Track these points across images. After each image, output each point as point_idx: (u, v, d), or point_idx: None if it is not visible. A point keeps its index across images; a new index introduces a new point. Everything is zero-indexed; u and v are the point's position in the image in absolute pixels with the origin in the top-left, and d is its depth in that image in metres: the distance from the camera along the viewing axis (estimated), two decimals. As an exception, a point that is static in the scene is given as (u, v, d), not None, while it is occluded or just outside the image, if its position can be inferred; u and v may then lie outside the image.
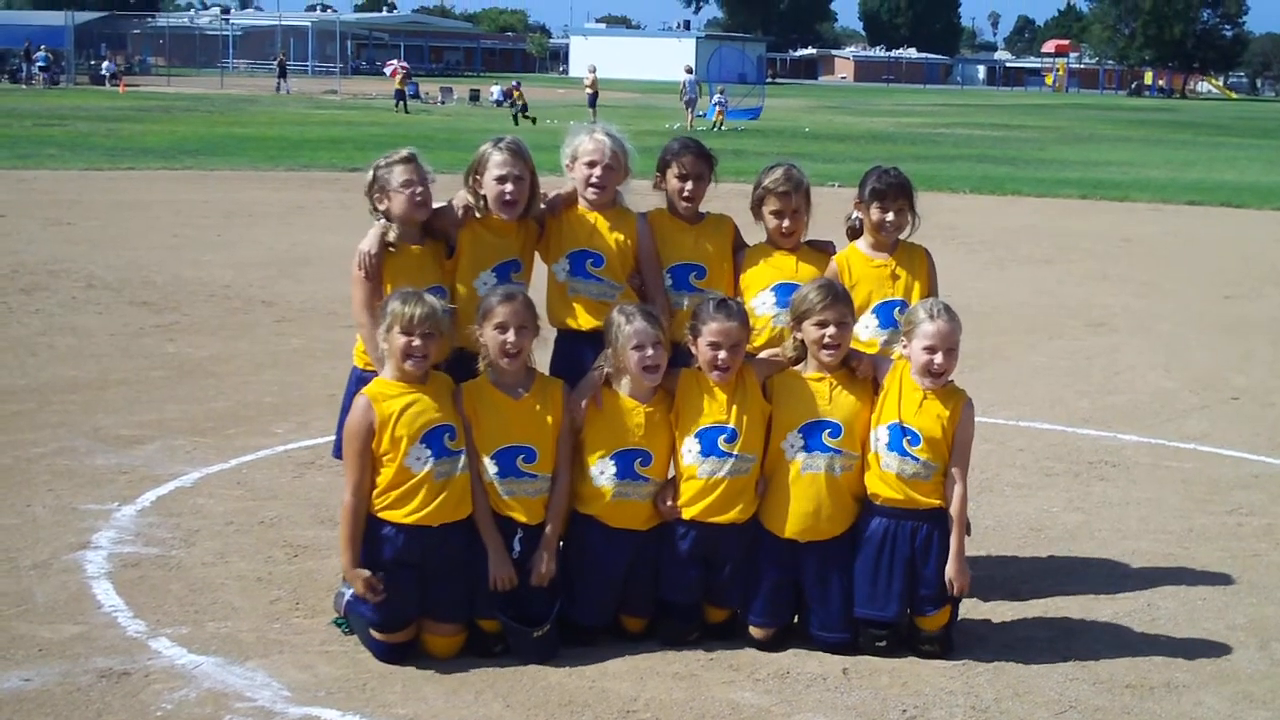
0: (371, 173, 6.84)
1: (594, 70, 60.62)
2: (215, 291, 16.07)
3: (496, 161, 6.81)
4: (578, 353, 6.97)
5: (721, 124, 52.90)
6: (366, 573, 6.27)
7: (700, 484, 6.60)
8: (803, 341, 6.66)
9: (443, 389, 6.45)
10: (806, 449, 6.58)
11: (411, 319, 6.22)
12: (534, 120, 51.38)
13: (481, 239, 6.92)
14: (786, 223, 7.11)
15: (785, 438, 6.61)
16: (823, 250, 7.27)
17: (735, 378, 6.63)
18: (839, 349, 6.59)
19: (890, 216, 7.12)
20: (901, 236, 7.24)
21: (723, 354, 6.51)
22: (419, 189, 6.73)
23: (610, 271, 7.02)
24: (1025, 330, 15.38)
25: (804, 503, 6.59)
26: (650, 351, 6.48)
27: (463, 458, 6.42)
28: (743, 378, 6.66)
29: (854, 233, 7.31)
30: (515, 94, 58.80)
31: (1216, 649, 6.85)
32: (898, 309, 7.00)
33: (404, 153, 6.84)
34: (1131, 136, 58.90)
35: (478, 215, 6.88)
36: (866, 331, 7.04)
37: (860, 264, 7.18)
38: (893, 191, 7.13)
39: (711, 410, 6.60)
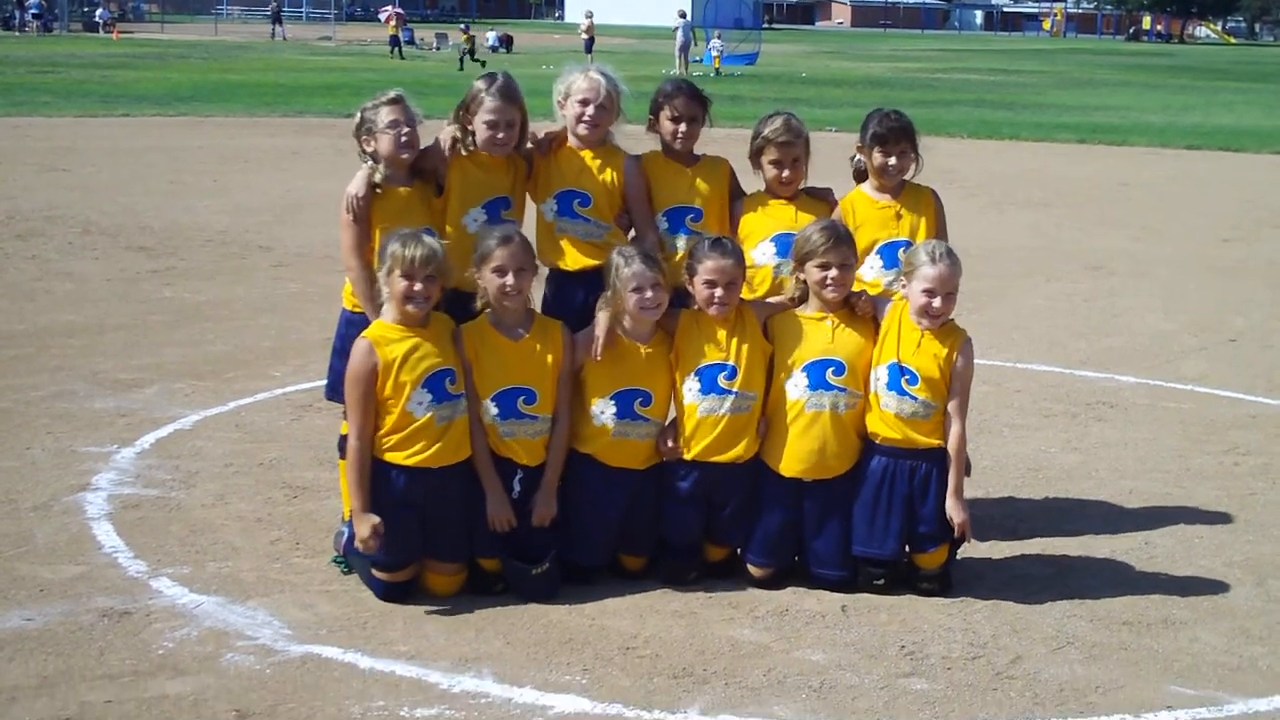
0: (359, 115, 6.82)
1: (590, 15, 60.19)
2: (212, 237, 16.05)
3: (489, 106, 6.77)
4: (568, 292, 6.98)
5: (717, 70, 52.70)
6: (376, 519, 6.27)
7: (701, 422, 6.61)
8: (805, 283, 6.65)
9: (443, 332, 6.44)
10: (810, 387, 6.58)
11: (413, 261, 6.20)
12: (483, 63, 49.40)
13: (470, 176, 6.90)
14: (786, 172, 7.08)
15: (790, 376, 6.62)
16: (821, 198, 7.24)
17: (735, 317, 6.63)
18: (842, 289, 6.60)
19: (893, 160, 7.10)
20: (906, 178, 7.22)
21: (719, 291, 6.52)
22: (405, 129, 6.70)
23: (597, 211, 7.00)
24: (1023, 273, 15.38)
25: (809, 441, 6.59)
26: (650, 293, 6.48)
27: (463, 401, 6.42)
28: (742, 317, 6.66)
29: (860, 175, 7.29)
30: (464, 36, 55.90)
31: (1213, 586, 6.89)
32: (902, 249, 6.97)
33: (390, 94, 6.79)
34: (1130, 81, 58.71)
35: (464, 151, 6.85)
36: (871, 272, 7.05)
37: (865, 206, 7.17)
38: (894, 135, 7.10)
39: (711, 349, 6.61)
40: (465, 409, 6.44)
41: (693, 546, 6.78)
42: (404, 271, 6.21)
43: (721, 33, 58.28)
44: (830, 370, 6.57)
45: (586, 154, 7.01)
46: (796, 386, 6.60)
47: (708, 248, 6.56)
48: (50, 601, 6.27)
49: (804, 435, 6.59)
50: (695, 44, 56.14)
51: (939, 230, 7.19)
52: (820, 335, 6.63)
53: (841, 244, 6.57)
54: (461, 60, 52.64)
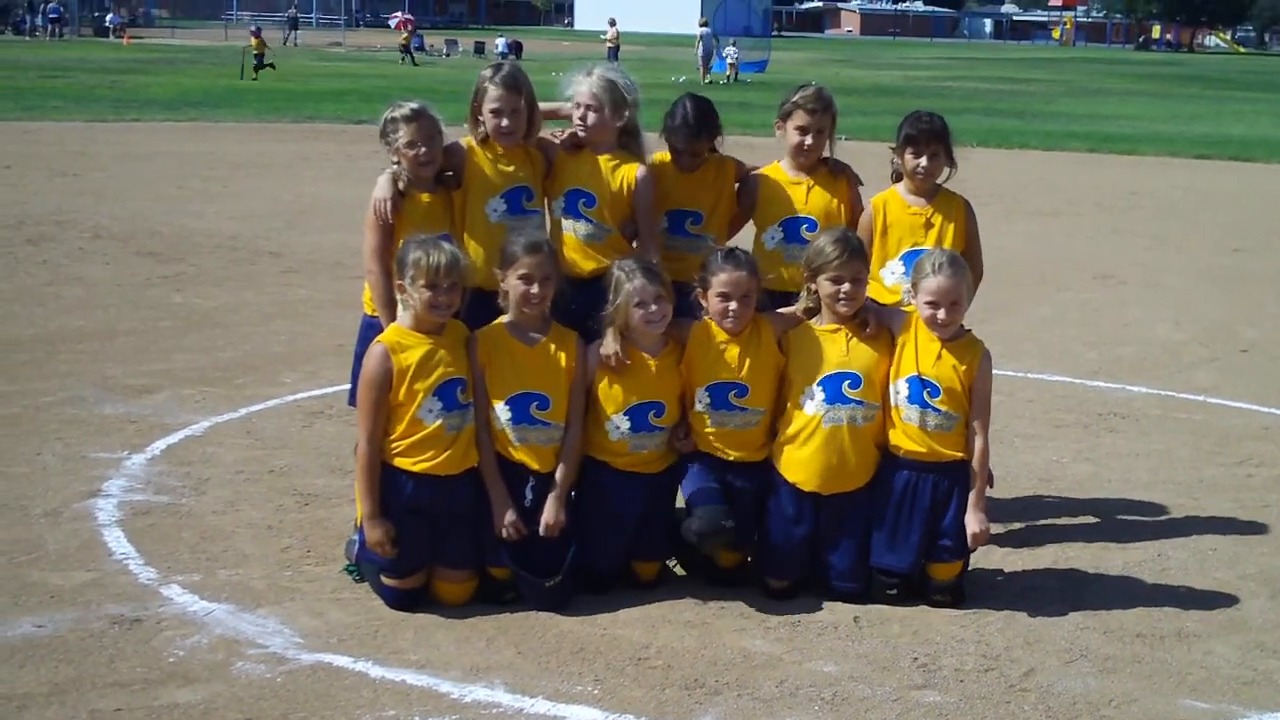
0: (383, 121, 6.83)
1: (614, 23, 59.77)
2: (222, 242, 16.06)
3: (492, 96, 6.84)
4: (566, 295, 6.95)
5: (735, 76, 52.77)
6: (388, 524, 6.27)
7: (709, 431, 6.62)
8: (816, 294, 6.63)
9: (458, 340, 6.43)
10: (827, 401, 6.55)
11: (437, 270, 6.18)
12: (273, 66, 46.30)
13: (488, 166, 6.92)
14: (809, 140, 7.12)
15: (805, 391, 6.59)
16: (840, 174, 7.27)
17: (749, 331, 6.61)
18: (854, 303, 6.57)
19: (923, 162, 7.10)
20: (939, 182, 7.23)
21: (733, 304, 6.50)
22: (422, 150, 6.72)
23: (599, 213, 6.98)
24: (1034, 283, 15.35)
25: (827, 455, 6.57)
26: (654, 307, 6.47)
27: (472, 410, 6.41)
28: (757, 330, 6.64)
29: (898, 178, 7.30)
30: (254, 41, 48.97)
31: (1227, 599, 6.85)
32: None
33: (408, 109, 6.76)
34: (1139, 90, 58.68)
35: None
36: (892, 278, 7.07)
37: (897, 209, 7.19)
38: (924, 137, 7.12)
39: (723, 365, 6.59)
40: (472, 418, 6.43)
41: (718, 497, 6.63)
42: (428, 281, 6.19)
43: (737, 40, 58.26)
44: (847, 383, 6.55)
45: (601, 157, 7.00)
46: (813, 400, 6.57)
47: (721, 259, 6.54)
48: (61, 608, 6.25)
49: (822, 449, 6.57)
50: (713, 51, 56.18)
51: (969, 240, 7.20)
52: (835, 348, 6.60)
53: (855, 259, 6.54)
54: (243, 71, 47.11)
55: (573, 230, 7.02)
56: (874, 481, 6.66)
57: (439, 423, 6.29)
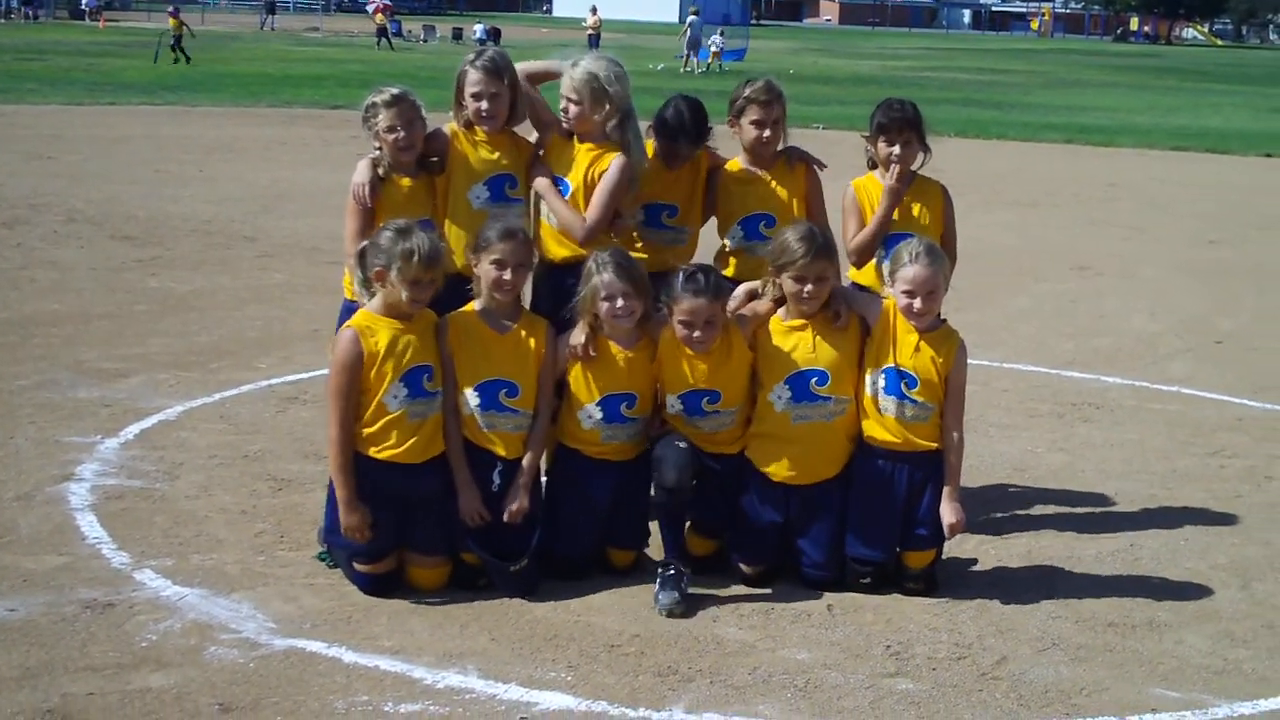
0: (364, 107, 6.81)
1: (595, 11, 59.59)
2: (197, 226, 16.01)
3: (472, 80, 6.85)
4: (553, 280, 6.94)
5: (719, 65, 52.75)
6: (364, 509, 6.27)
7: (682, 429, 6.63)
8: (780, 286, 6.61)
9: (426, 326, 6.42)
10: (794, 400, 6.55)
11: (414, 258, 6.15)
12: (188, 59, 43.91)
13: (472, 152, 6.91)
14: (766, 133, 7.11)
15: (772, 390, 6.59)
16: (797, 163, 7.26)
17: (718, 340, 6.56)
18: (817, 302, 6.54)
19: (896, 150, 7.10)
20: (914, 169, 7.24)
21: (697, 333, 6.45)
22: (401, 135, 6.72)
23: (574, 202, 6.95)
24: (1010, 273, 15.39)
25: (797, 450, 6.58)
26: (620, 302, 6.44)
27: (438, 399, 6.40)
28: (726, 338, 6.59)
29: (874, 166, 7.30)
30: (172, 23, 46.83)
31: (1199, 589, 6.88)
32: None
33: (389, 94, 6.76)
34: (1117, 82, 58.80)
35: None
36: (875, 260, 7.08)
37: (877, 193, 7.20)
38: (896, 125, 7.12)
39: (694, 375, 6.57)
40: (439, 406, 6.42)
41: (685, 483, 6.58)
42: (410, 274, 6.17)
43: (724, 29, 58.20)
44: (814, 380, 6.54)
45: (583, 146, 6.98)
46: (780, 399, 6.57)
47: (682, 285, 6.44)
48: (33, 592, 6.23)
49: (792, 444, 6.58)
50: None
51: (946, 226, 7.22)
52: (802, 346, 6.57)
53: (820, 258, 6.46)
54: (157, 55, 45.80)
55: (547, 217, 7.01)
56: (849, 472, 6.67)
57: (403, 410, 6.28)
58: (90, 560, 6.62)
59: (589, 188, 6.91)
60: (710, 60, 53.88)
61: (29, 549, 6.71)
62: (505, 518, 6.46)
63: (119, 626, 5.93)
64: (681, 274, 6.52)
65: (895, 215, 7.14)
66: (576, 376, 6.58)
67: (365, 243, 6.35)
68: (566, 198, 6.93)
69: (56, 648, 5.72)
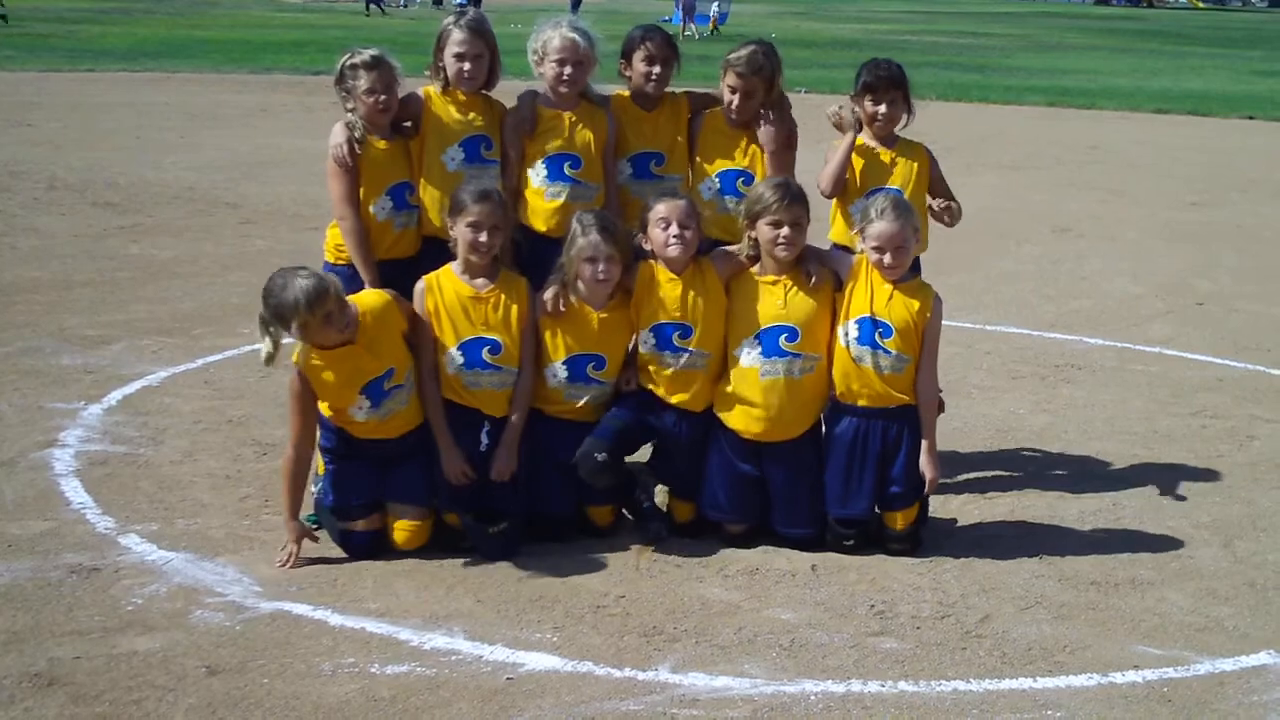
0: (339, 68, 6.79)
1: None
2: (179, 193, 15.95)
3: (456, 39, 6.84)
4: (546, 252, 6.92)
5: (716, 29, 52.38)
6: (304, 524, 6.40)
7: (654, 373, 6.67)
8: (757, 240, 6.63)
9: (379, 333, 6.36)
10: (764, 354, 6.57)
11: (293, 313, 6.11)
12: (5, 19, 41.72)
13: (446, 114, 6.91)
14: (737, 100, 7.09)
15: (742, 344, 6.61)
16: (779, 123, 7.18)
17: (693, 272, 6.62)
18: (793, 248, 6.57)
19: (882, 109, 7.14)
20: (898, 130, 7.26)
21: (674, 229, 6.50)
22: (381, 97, 6.72)
23: (588, 173, 6.98)
24: (993, 236, 15.38)
25: (765, 406, 6.59)
26: (601, 266, 6.48)
27: (406, 390, 6.42)
28: (701, 271, 6.65)
29: (858, 128, 7.27)
30: None
31: (1180, 547, 6.93)
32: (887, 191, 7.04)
33: (368, 55, 6.75)
34: (1099, 45, 58.72)
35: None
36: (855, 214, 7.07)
37: (861, 151, 7.22)
38: (883, 84, 7.15)
39: (667, 305, 6.61)
40: (407, 398, 6.44)
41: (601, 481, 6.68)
42: (300, 325, 6.17)
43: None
44: (784, 336, 6.56)
45: (569, 115, 6.98)
46: (750, 354, 6.59)
47: (657, 196, 6.61)
48: (18, 558, 6.24)
49: (760, 400, 6.59)
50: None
51: (935, 182, 7.29)
52: (773, 300, 6.60)
53: (795, 203, 6.52)
54: (368, 6, 52.92)
55: (557, 194, 6.96)
56: (824, 431, 6.70)
57: (371, 416, 6.36)
58: (75, 525, 6.63)
59: (595, 151, 7.00)
60: (710, 26, 53.43)
61: (13, 515, 6.72)
62: (493, 476, 6.48)
63: (105, 591, 5.95)
64: (653, 193, 6.68)
65: (886, 174, 7.15)
66: (546, 334, 6.61)
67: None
68: (579, 170, 6.94)
69: (42, 612, 5.73)
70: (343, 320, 6.18)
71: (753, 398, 6.60)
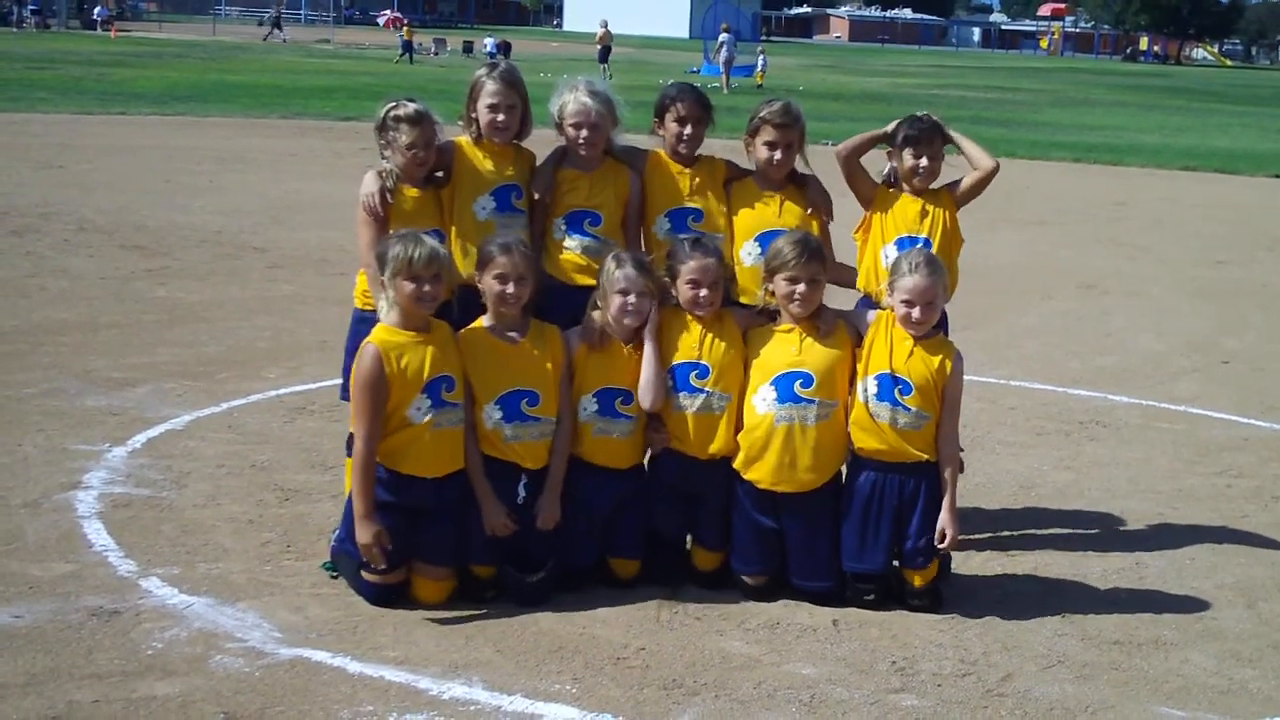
0: (382, 117, 6.80)
1: (606, 24, 58.50)
2: (207, 237, 16.03)
3: (490, 91, 6.88)
4: (564, 300, 6.93)
5: (761, 82, 52.34)
6: (379, 526, 6.25)
7: (674, 417, 6.67)
8: (773, 293, 6.66)
9: (445, 338, 6.43)
10: (779, 400, 6.57)
11: (413, 261, 6.20)
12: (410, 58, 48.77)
13: (478, 163, 6.95)
14: (779, 155, 7.10)
15: (758, 391, 6.62)
16: (806, 185, 7.24)
17: (713, 317, 6.68)
18: (808, 304, 6.60)
19: (924, 161, 7.17)
20: (934, 185, 7.31)
21: (703, 291, 6.59)
22: (421, 153, 6.77)
23: (609, 229, 7.04)
24: (1018, 291, 15.39)
25: (780, 455, 6.57)
26: (633, 298, 6.52)
27: (459, 410, 6.41)
28: (721, 319, 6.71)
29: (890, 184, 7.33)
30: (405, 30, 55.93)
31: (1204, 608, 6.88)
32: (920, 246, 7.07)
33: (412, 110, 6.77)
34: (1126, 101, 58.81)
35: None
36: (886, 261, 7.08)
37: (892, 198, 7.28)
38: (926, 136, 7.18)
39: (685, 347, 6.65)
40: (461, 418, 6.42)
41: (678, 543, 6.86)
42: (408, 274, 6.20)
43: (764, 47, 57.73)
44: (798, 383, 6.56)
45: (591, 175, 7.05)
46: (765, 401, 6.60)
47: (689, 248, 6.64)
48: (39, 599, 6.24)
49: (774, 449, 6.58)
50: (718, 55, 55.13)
51: (955, 233, 7.31)
52: (787, 347, 6.62)
53: (812, 260, 6.56)
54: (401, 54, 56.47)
55: (577, 247, 7.02)
56: (839, 483, 6.70)
57: (427, 419, 6.29)
58: (97, 568, 6.63)
59: (616, 209, 7.07)
60: (756, 77, 53.34)
61: (36, 556, 6.72)
62: (539, 525, 6.50)
63: (125, 634, 5.94)
64: (687, 241, 6.70)
65: (917, 222, 7.18)
66: (576, 368, 6.66)
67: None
68: (599, 227, 7.01)
69: (62, 655, 5.73)
70: (431, 297, 6.26)
71: (768, 446, 6.59)
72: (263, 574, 6.68)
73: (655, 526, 6.81)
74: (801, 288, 6.54)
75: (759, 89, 49.39)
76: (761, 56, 55.88)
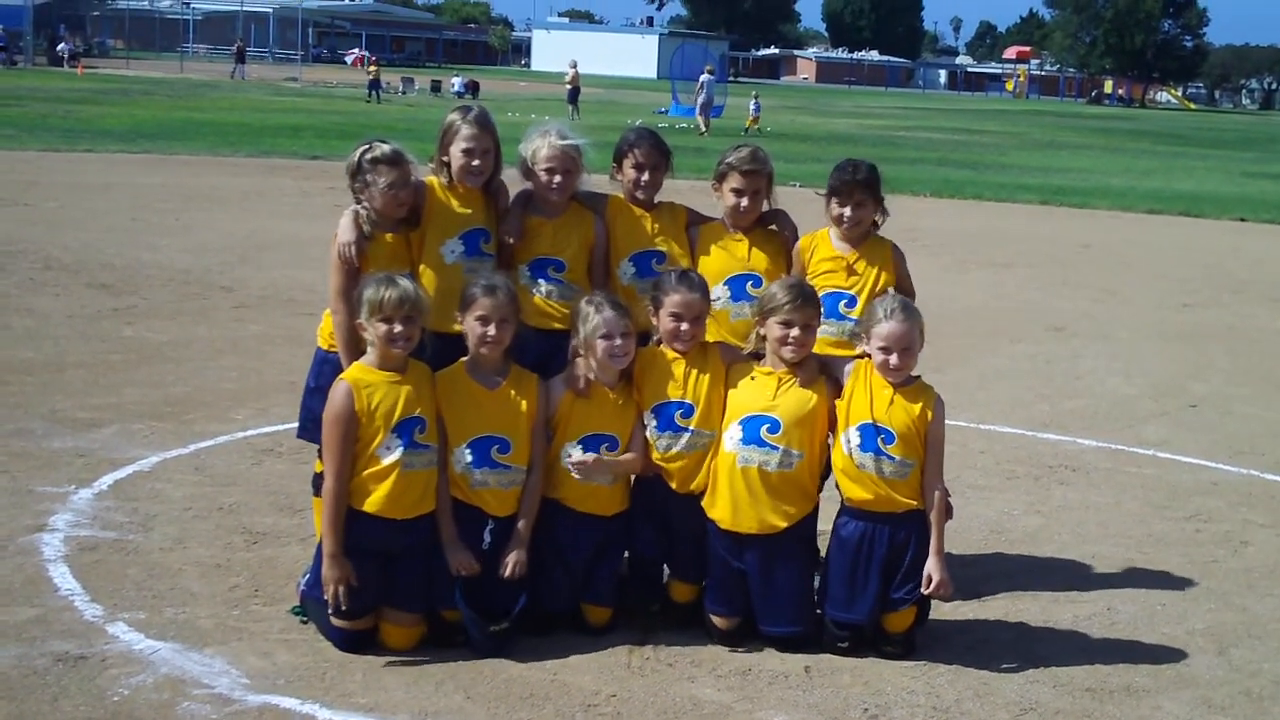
0: (357, 161, 6.76)
1: (575, 65, 58.24)
2: (174, 276, 15.96)
3: (465, 135, 6.85)
4: (534, 346, 6.92)
5: (754, 127, 51.91)
6: (349, 565, 6.22)
7: (660, 457, 6.66)
8: (764, 338, 6.64)
9: (421, 378, 6.41)
10: (744, 441, 6.56)
11: (384, 303, 6.18)
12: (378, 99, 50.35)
13: (447, 207, 6.91)
14: (745, 202, 7.11)
15: (728, 428, 6.62)
16: (779, 229, 7.26)
17: (696, 354, 6.68)
18: (801, 349, 6.59)
19: (848, 211, 7.14)
20: (870, 229, 7.25)
21: (685, 325, 6.60)
22: (401, 194, 6.74)
23: (573, 275, 7.04)
24: (986, 333, 15.42)
25: (738, 495, 6.57)
26: (619, 341, 6.51)
27: (431, 452, 6.37)
28: (705, 354, 6.71)
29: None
30: (372, 68, 58.13)
31: (1175, 654, 6.87)
32: (843, 302, 7.08)
33: (389, 150, 6.73)
34: (1091, 144, 59.20)
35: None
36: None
37: (823, 251, 7.22)
38: (847, 188, 7.14)
39: (669, 386, 6.65)
40: (433, 461, 6.38)
41: (655, 576, 6.86)
42: (383, 316, 6.18)
43: (758, 93, 57.54)
44: (765, 427, 6.54)
45: (555, 221, 7.06)
46: (731, 439, 6.60)
47: (674, 281, 6.65)
48: (4, 644, 6.17)
49: (733, 488, 6.58)
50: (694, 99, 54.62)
51: (899, 283, 7.21)
52: (763, 390, 6.61)
53: (807, 305, 6.57)
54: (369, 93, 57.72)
55: (542, 292, 7.01)
56: (813, 532, 6.70)
57: (395, 458, 6.25)
58: (62, 612, 6.56)
59: (581, 255, 7.09)
60: (750, 123, 52.80)
61: (0, 600, 6.64)
62: (505, 573, 6.44)
63: (91, 680, 5.88)
64: (672, 274, 6.70)
65: (843, 277, 7.15)
66: (561, 416, 6.62)
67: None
68: (563, 273, 7.02)
69: (27, 701, 5.66)
70: (405, 338, 6.24)
71: (726, 485, 6.59)
72: (230, 619, 6.62)
73: (633, 552, 6.80)
74: (795, 332, 6.53)
75: (754, 133, 49.11)
76: (755, 101, 55.41)
